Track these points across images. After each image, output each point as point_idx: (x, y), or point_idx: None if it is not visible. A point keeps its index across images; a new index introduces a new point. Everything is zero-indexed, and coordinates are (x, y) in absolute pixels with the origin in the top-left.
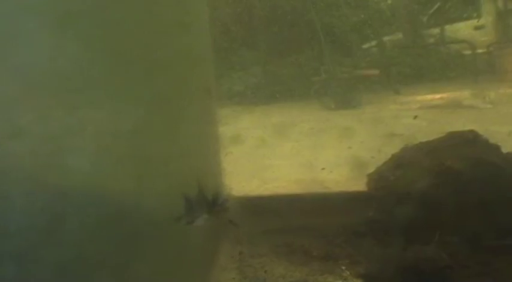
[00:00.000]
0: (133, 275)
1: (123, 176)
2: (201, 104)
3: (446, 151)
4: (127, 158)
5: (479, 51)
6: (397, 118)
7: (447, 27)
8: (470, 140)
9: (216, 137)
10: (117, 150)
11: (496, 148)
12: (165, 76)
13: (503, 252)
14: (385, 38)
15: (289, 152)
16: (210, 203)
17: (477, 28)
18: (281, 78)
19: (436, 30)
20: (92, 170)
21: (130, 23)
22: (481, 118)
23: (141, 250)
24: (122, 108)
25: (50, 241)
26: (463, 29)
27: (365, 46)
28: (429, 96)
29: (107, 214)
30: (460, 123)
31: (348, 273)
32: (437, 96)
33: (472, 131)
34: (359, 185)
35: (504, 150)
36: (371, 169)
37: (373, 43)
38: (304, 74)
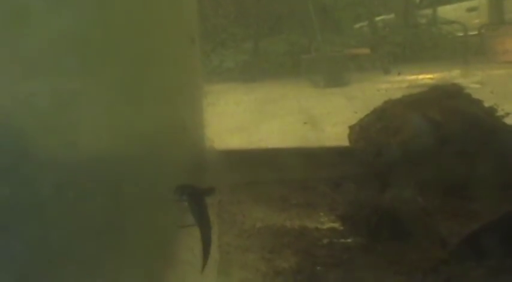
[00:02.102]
0: (118, 217)
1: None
2: (185, 53)
3: (428, 103)
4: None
5: (471, 32)
6: (385, 97)
7: (440, 8)
8: (453, 93)
9: (200, 86)
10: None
11: (479, 102)
12: (148, 25)
13: (478, 197)
14: (377, 18)
15: (272, 114)
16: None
17: (469, 10)
18: (271, 55)
19: (428, 11)
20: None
21: None
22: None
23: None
24: (108, 58)
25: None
26: (455, 10)
27: (356, 25)
28: (419, 76)
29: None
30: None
31: (326, 218)
32: (427, 76)
33: (454, 84)
34: (341, 139)
35: (487, 104)
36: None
37: (365, 22)
38: (294, 52)
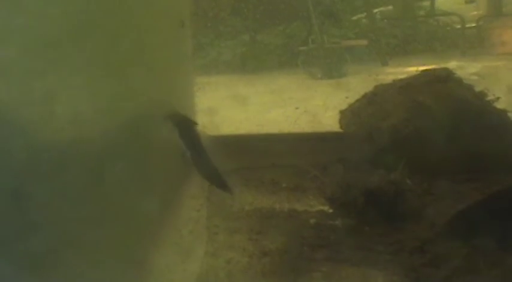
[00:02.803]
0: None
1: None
2: (174, 36)
3: (419, 88)
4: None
5: (469, 24)
6: None
7: (438, 0)
8: (443, 78)
9: (190, 71)
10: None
11: (469, 87)
12: (135, 6)
13: (467, 180)
14: (375, 10)
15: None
16: None
17: (468, 1)
18: (269, 47)
19: (426, 3)
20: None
21: None
22: None
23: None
24: (91, 32)
25: None
26: (453, 2)
27: (354, 17)
28: (416, 68)
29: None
30: None
31: (315, 201)
32: (424, 67)
33: (445, 69)
34: (332, 124)
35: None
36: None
37: (363, 14)
38: (292, 44)
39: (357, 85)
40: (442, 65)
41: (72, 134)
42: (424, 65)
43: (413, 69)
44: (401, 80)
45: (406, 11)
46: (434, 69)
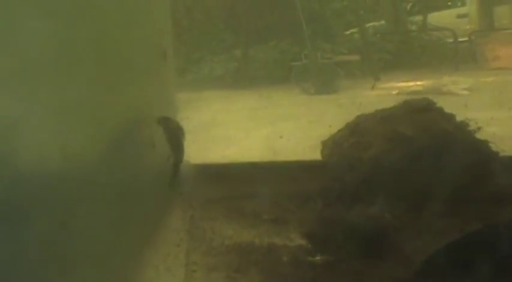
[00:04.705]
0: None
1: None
2: (155, 68)
3: (400, 118)
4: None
5: (461, 39)
6: (373, 105)
7: (430, 15)
8: (424, 108)
9: (172, 102)
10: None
11: (450, 116)
12: (117, 39)
13: (448, 213)
14: (368, 25)
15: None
16: None
17: (460, 16)
18: (262, 62)
19: (418, 18)
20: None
21: None
22: (459, 104)
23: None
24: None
25: None
26: (446, 16)
27: (347, 32)
28: (409, 83)
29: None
30: None
31: (295, 235)
32: (417, 82)
33: (426, 99)
34: (314, 153)
35: (459, 118)
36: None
37: (355, 29)
38: (284, 59)
39: (349, 101)
40: (435, 80)
41: (39, 168)
42: (416, 80)
43: (405, 84)
44: (382, 110)
45: (399, 26)
46: (416, 100)
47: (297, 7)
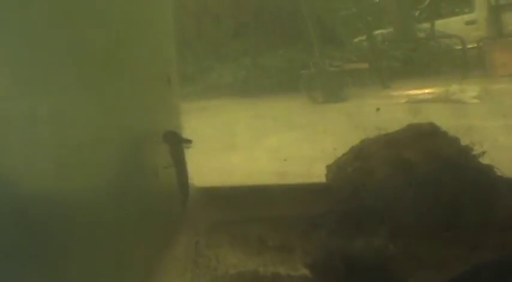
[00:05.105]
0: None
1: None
2: (159, 93)
3: (404, 143)
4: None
5: (470, 46)
6: (382, 113)
7: (438, 21)
8: (428, 133)
9: (178, 127)
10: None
11: (455, 140)
12: (119, 63)
13: (451, 243)
14: (376, 32)
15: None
16: None
17: (468, 23)
18: (270, 70)
19: (427, 25)
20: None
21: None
22: (467, 113)
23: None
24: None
25: None
26: (454, 23)
27: (355, 40)
28: (417, 91)
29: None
30: (445, 118)
31: (300, 264)
32: (426, 90)
33: (431, 124)
34: (320, 176)
35: (463, 142)
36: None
37: (364, 37)
38: (293, 67)
39: (357, 109)
40: (443, 88)
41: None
42: (425, 87)
43: (414, 92)
44: (386, 134)
45: (407, 33)
46: (420, 124)
47: (305, 15)
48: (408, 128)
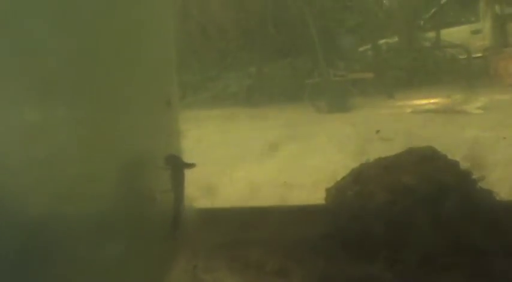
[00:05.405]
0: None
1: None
2: (160, 117)
3: (403, 167)
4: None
5: (475, 55)
6: (387, 123)
7: (444, 31)
8: (428, 157)
9: (178, 149)
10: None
11: (454, 165)
12: (121, 87)
13: (451, 269)
14: (381, 41)
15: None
16: None
17: (474, 32)
18: (276, 80)
19: (432, 34)
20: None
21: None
22: (471, 124)
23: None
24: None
25: None
26: (459, 33)
27: (360, 49)
28: (422, 101)
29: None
30: (450, 129)
31: None
32: (430, 100)
33: (430, 147)
34: (319, 199)
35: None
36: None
37: (369, 46)
38: (298, 77)
39: (362, 119)
40: (448, 98)
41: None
42: (430, 97)
43: (419, 102)
44: (385, 158)
45: (412, 43)
46: (420, 148)
47: (311, 24)
48: (408, 152)
